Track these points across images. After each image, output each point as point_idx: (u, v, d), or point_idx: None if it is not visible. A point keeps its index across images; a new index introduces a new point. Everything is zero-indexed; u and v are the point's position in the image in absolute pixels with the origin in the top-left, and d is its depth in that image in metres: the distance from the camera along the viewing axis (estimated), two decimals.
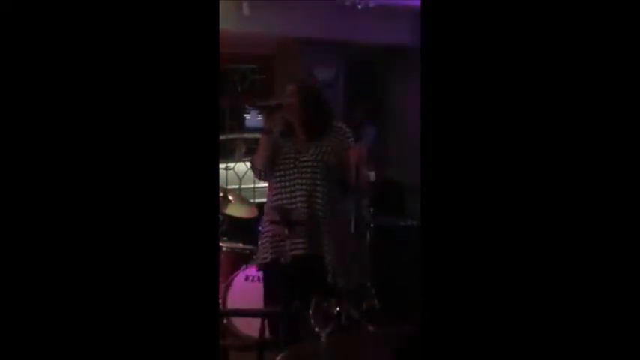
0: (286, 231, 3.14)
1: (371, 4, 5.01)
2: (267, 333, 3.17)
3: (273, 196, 3.27)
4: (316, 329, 2.02)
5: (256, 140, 3.37)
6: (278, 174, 3.25)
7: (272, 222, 3.20)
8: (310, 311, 2.02)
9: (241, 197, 4.52)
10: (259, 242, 3.36)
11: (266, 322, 3.20)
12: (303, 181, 3.22)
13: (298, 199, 3.22)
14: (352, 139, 3.24)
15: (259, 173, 3.31)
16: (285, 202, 3.22)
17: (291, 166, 3.23)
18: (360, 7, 5.00)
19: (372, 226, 4.56)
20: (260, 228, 3.42)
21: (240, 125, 7.52)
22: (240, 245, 4.27)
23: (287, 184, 3.23)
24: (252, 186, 5.64)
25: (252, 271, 4.00)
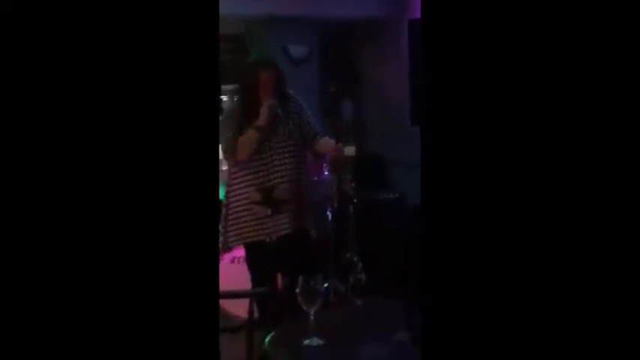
0: (269, 211, 3.15)
1: None
2: (255, 313, 3.18)
3: (249, 175, 3.26)
4: (304, 307, 2.04)
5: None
6: (256, 156, 3.24)
7: (253, 203, 3.20)
8: (297, 290, 2.03)
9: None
10: (229, 223, 3.33)
11: (255, 302, 3.21)
12: (283, 161, 3.23)
13: (278, 178, 3.23)
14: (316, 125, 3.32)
15: (233, 161, 3.29)
16: (266, 180, 3.22)
17: (267, 148, 3.23)
18: None
19: (354, 200, 4.57)
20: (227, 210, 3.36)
21: None
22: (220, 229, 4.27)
23: (265, 165, 3.24)
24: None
25: (238, 252, 4.00)
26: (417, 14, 5.83)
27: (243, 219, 3.30)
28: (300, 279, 2.03)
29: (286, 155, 3.25)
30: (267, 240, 3.21)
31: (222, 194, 3.34)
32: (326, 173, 4.12)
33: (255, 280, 3.32)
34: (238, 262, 4.03)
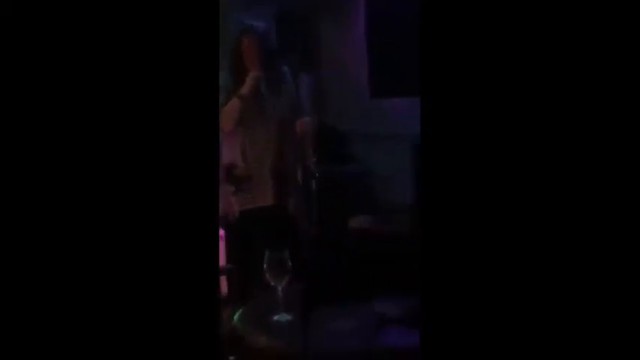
0: (233, 188, 3.14)
1: None
2: (224, 290, 3.18)
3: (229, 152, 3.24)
4: (272, 283, 2.03)
5: None
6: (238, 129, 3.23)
7: None
8: (265, 265, 2.02)
9: None
10: None
11: (225, 279, 3.21)
12: (267, 135, 3.23)
13: (260, 153, 3.22)
14: (306, 90, 3.28)
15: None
16: (245, 156, 3.22)
17: (252, 121, 3.22)
18: None
19: (317, 175, 4.57)
20: None
21: None
22: None
23: (250, 139, 3.23)
24: None
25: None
26: None
27: None
28: (267, 254, 2.03)
29: (263, 132, 3.24)
30: (230, 218, 3.20)
31: None
32: None
33: (227, 256, 3.32)
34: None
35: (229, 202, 3.20)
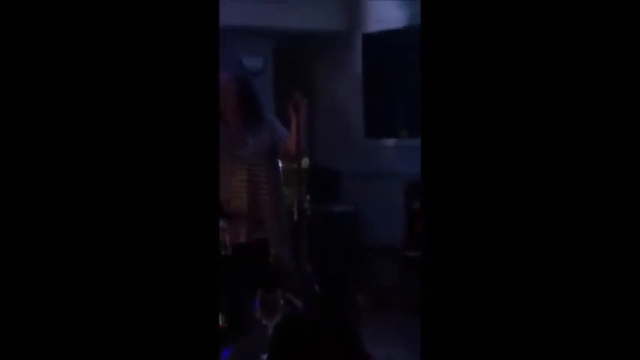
0: (225, 224, 3.12)
1: None
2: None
3: None
4: (263, 321, 2.01)
5: None
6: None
7: None
8: (257, 304, 2.00)
9: None
10: None
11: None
12: (247, 170, 3.19)
13: (241, 188, 3.19)
14: (285, 130, 3.21)
15: None
16: (226, 191, 3.18)
17: (230, 154, 3.18)
18: None
19: (308, 212, 4.56)
20: None
21: None
22: None
23: (229, 174, 3.19)
24: None
25: None
26: (371, 28, 5.88)
27: None
28: (259, 292, 2.01)
29: (252, 168, 3.21)
30: (223, 252, 3.17)
31: None
32: None
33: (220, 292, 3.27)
34: None
35: (222, 237, 3.17)
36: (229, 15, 5.44)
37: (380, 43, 5.79)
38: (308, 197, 4.63)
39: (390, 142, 5.81)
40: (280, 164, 3.42)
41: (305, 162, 4.11)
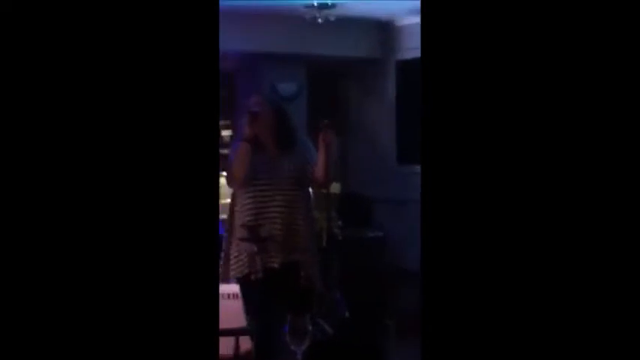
0: (255, 248, 3.13)
1: (331, 18, 5.03)
2: (242, 350, 3.14)
3: (246, 211, 3.21)
4: (292, 347, 2.01)
5: (224, 156, 3.29)
6: (252, 188, 3.20)
7: (241, 239, 3.17)
8: (287, 329, 2.00)
9: None
10: (222, 257, 3.29)
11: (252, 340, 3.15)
12: (282, 195, 3.20)
13: (276, 212, 3.19)
14: (316, 152, 3.23)
15: (237, 182, 3.22)
16: (260, 216, 3.18)
17: (266, 179, 3.19)
18: (320, 20, 5.01)
19: (339, 238, 4.57)
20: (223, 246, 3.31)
21: None
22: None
23: (264, 197, 3.20)
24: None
25: (226, 288, 3.93)
26: (405, 56, 5.91)
27: (234, 254, 3.26)
28: (289, 317, 2.01)
29: (287, 189, 3.21)
30: (253, 277, 3.18)
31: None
32: None
33: (248, 316, 3.27)
34: (229, 298, 3.96)
35: (254, 261, 3.18)
36: (265, 42, 5.54)
37: (413, 70, 5.81)
38: (340, 222, 4.64)
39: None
40: (310, 189, 3.43)
41: (335, 187, 4.12)
